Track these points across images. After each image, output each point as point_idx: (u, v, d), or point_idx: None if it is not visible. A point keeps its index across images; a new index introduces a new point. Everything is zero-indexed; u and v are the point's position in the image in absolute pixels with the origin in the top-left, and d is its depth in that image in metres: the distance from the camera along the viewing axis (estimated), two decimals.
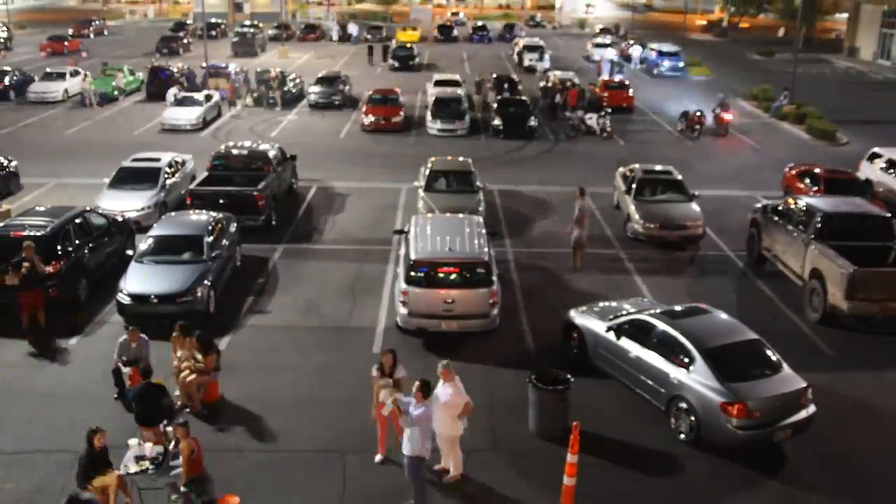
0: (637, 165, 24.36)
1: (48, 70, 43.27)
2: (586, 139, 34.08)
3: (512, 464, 12.40)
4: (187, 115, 34.90)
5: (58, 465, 12.01)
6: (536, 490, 11.74)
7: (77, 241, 17.86)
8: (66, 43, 61.36)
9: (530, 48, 56.16)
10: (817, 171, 24.50)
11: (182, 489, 10.97)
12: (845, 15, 71.55)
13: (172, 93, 37.77)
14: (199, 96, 36.88)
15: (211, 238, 17.99)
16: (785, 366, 13.08)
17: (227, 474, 11.87)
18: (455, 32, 74.01)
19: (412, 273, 15.91)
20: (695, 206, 22.13)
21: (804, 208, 19.01)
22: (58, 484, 11.54)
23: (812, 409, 12.76)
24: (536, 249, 21.39)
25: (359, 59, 58.60)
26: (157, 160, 24.10)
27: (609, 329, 14.61)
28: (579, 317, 15.59)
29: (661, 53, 54.34)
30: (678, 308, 14.82)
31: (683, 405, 12.88)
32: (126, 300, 16.35)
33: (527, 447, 12.81)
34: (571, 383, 12.93)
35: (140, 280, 16.61)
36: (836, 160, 29.00)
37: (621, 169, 24.86)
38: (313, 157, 29.14)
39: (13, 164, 26.00)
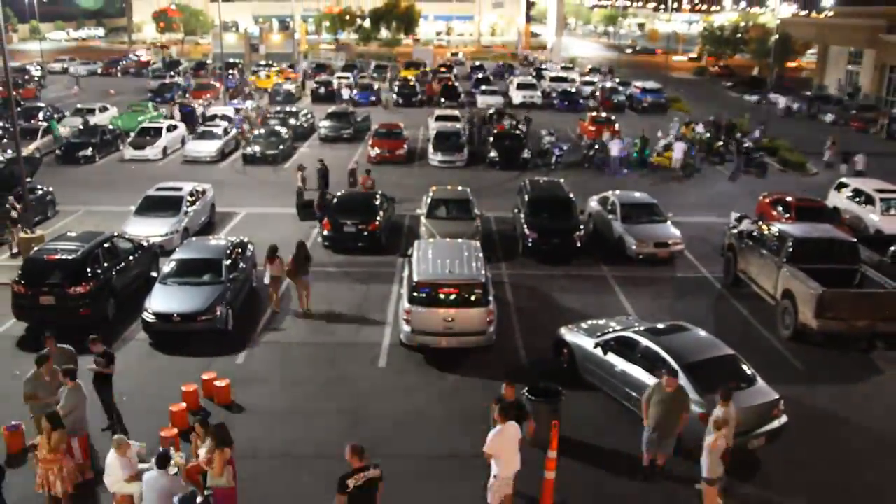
0: (609, 193, 24.63)
1: (79, 106, 43.72)
2: (574, 170, 34.25)
3: None
4: (207, 148, 35.17)
5: None
6: (532, 491, 11.80)
7: (105, 264, 18.01)
8: None
9: (523, 86, 56.56)
10: (789, 199, 24.68)
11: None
12: (814, 54, 72.22)
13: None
14: (218, 130, 37.16)
15: (229, 261, 18.18)
16: (759, 379, 13.18)
17: (241, 478, 11.92)
18: (455, 71, 74.44)
19: (415, 293, 16.05)
20: (671, 226, 22.69)
21: (777, 234, 19.18)
22: None
23: (784, 419, 12.84)
24: (530, 272, 21.54)
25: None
26: (180, 189, 24.29)
27: (597, 345, 14.74)
28: (569, 334, 15.73)
29: (644, 90, 54.83)
30: (660, 326, 14.95)
31: None
32: (151, 318, 16.53)
33: (521, 453, 12.86)
34: (563, 395, 13.05)
35: (164, 300, 16.78)
36: (806, 189, 29.21)
37: (594, 197, 25.35)
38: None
39: (50, 190, 26.43)
